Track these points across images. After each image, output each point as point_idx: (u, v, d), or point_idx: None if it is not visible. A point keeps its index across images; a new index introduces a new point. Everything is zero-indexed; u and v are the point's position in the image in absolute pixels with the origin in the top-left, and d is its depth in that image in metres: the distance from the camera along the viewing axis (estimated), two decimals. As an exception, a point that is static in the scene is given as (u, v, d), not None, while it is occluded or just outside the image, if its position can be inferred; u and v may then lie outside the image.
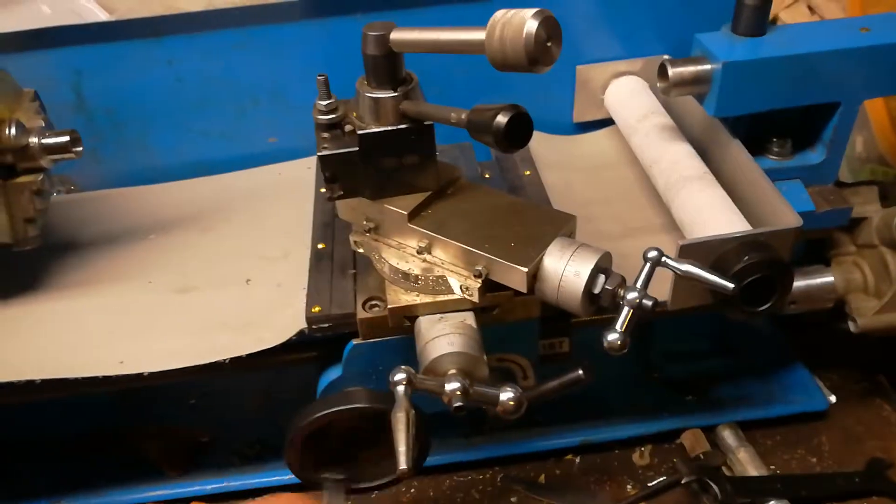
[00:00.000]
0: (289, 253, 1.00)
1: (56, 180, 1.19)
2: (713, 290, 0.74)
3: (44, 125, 0.92)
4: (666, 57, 0.97)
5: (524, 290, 0.75)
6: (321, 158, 0.79)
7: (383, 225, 0.83)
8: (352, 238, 0.87)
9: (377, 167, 0.80)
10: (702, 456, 1.03)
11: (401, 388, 0.70)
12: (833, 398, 1.12)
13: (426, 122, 0.78)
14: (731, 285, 0.71)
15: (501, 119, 0.66)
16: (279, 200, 1.11)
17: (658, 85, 0.93)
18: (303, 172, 1.15)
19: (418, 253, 0.81)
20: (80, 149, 0.90)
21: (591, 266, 0.72)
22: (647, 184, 1.01)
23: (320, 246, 0.97)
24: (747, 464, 1.02)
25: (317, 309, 0.86)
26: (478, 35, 0.65)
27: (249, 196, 1.13)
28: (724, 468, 1.02)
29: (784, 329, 1.22)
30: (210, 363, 0.84)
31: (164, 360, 0.85)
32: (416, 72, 0.79)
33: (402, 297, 0.81)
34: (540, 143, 1.15)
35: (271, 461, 1.07)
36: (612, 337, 0.70)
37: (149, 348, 0.88)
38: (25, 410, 0.96)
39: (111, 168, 1.20)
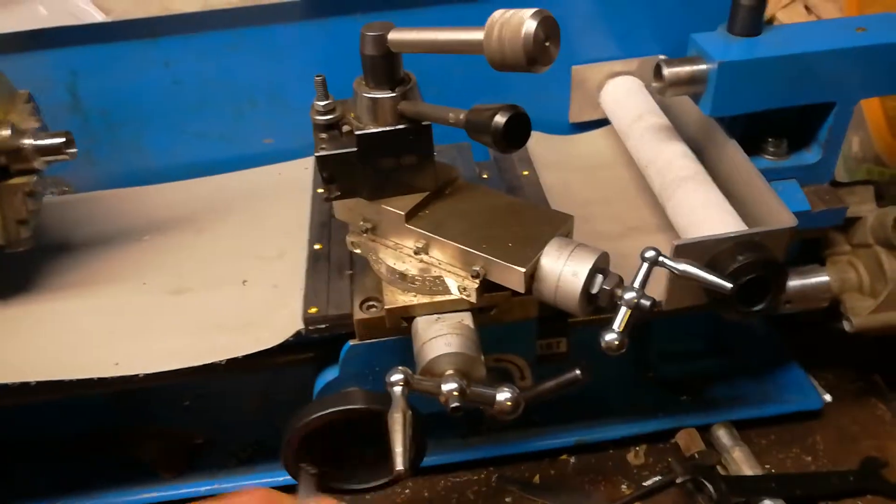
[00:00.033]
0: (285, 253, 1.00)
1: (50, 182, 1.18)
2: (709, 289, 0.74)
3: (38, 127, 0.91)
4: (662, 57, 0.97)
5: (522, 291, 0.75)
6: (319, 159, 0.79)
7: (380, 225, 0.83)
8: (349, 238, 0.87)
9: (375, 167, 0.80)
10: (696, 455, 1.03)
11: (398, 389, 0.70)
12: (828, 397, 1.12)
13: (424, 123, 0.78)
14: (730, 285, 0.71)
15: (500, 119, 0.66)
16: (276, 201, 1.11)
17: (654, 85, 0.93)
18: (300, 173, 1.15)
19: (415, 253, 0.81)
20: (74, 150, 0.90)
21: (589, 266, 0.72)
22: (646, 183, 1.01)
23: (317, 246, 0.97)
24: (742, 463, 1.02)
25: (313, 310, 0.86)
26: (476, 35, 0.65)
27: (246, 196, 1.13)
28: (718, 467, 1.02)
29: (779, 328, 1.23)
30: (206, 364, 0.84)
31: (159, 362, 0.85)
32: (415, 72, 0.79)
33: (399, 298, 0.81)
34: (538, 143, 1.15)
35: (269, 462, 1.06)
36: (610, 337, 0.70)
37: (144, 350, 0.88)
38: (21, 411, 0.96)
39: (106, 170, 1.19)
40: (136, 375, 0.84)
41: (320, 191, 1.04)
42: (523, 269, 0.74)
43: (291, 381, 1.09)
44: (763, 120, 0.96)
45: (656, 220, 1.01)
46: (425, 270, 0.80)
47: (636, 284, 0.72)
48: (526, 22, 0.61)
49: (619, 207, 1.05)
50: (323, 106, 0.79)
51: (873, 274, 0.97)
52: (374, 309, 0.84)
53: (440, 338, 0.76)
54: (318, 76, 0.79)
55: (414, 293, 0.81)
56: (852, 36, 0.90)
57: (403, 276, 0.81)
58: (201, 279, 0.98)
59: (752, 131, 0.98)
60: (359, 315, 0.83)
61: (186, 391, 1.19)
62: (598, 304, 0.74)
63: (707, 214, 0.86)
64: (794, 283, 0.97)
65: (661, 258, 0.73)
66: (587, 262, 0.73)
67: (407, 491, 1.05)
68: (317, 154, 0.78)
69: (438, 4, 1.09)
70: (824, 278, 0.99)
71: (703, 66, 0.90)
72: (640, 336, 1.16)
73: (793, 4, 1.15)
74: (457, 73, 1.13)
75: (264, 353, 0.84)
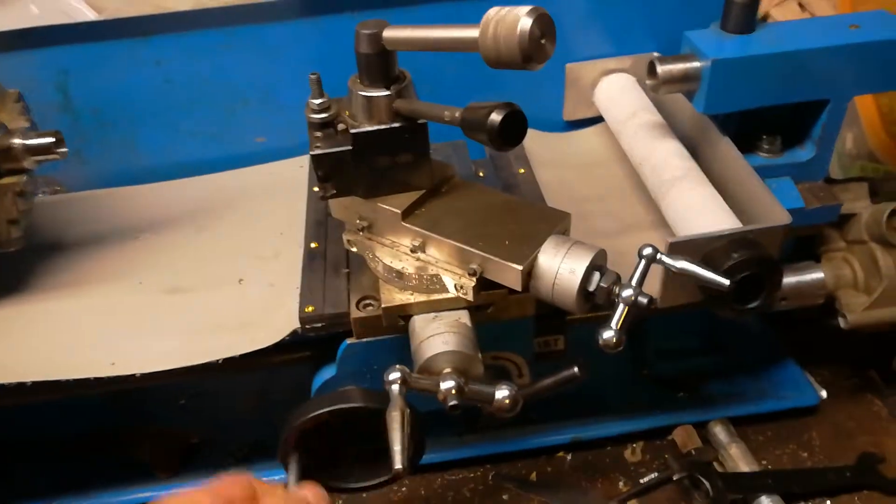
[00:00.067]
0: (281, 252, 1.00)
1: (41, 181, 1.18)
2: (705, 286, 0.74)
3: (28, 126, 0.91)
4: (655, 54, 0.97)
5: (519, 288, 0.75)
6: (314, 157, 0.78)
7: (377, 223, 0.83)
8: (345, 237, 0.86)
9: (370, 166, 0.79)
10: (693, 452, 1.03)
11: (396, 388, 0.70)
12: (824, 393, 1.12)
13: (419, 121, 0.77)
14: (727, 282, 0.71)
15: (496, 117, 0.66)
16: (271, 199, 1.10)
17: (647, 82, 0.93)
18: (295, 171, 1.14)
19: (412, 251, 0.81)
20: (65, 150, 0.89)
21: (586, 264, 0.72)
22: (640, 180, 1.01)
23: (313, 245, 0.96)
24: (739, 459, 1.03)
25: (310, 308, 0.85)
26: (471, 32, 0.65)
27: (241, 195, 1.13)
28: (715, 464, 1.03)
29: (775, 325, 1.23)
30: (203, 364, 0.83)
31: (156, 361, 0.84)
32: (410, 70, 0.79)
33: (396, 296, 0.81)
34: (534, 140, 1.15)
35: (266, 462, 1.06)
36: (608, 334, 0.70)
37: (140, 349, 0.87)
38: (20, 412, 0.95)
39: (97, 169, 1.19)
40: (133, 375, 0.84)
41: (316, 189, 1.04)
42: (520, 267, 0.74)
43: (288, 380, 1.09)
44: (757, 117, 0.96)
45: (652, 217, 1.01)
46: (422, 269, 0.80)
47: (633, 282, 0.72)
48: (521, 19, 0.61)
49: (615, 205, 1.05)
50: (318, 104, 0.79)
51: (868, 270, 0.98)
52: (370, 307, 0.84)
53: (437, 336, 0.76)
54: (312, 74, 0.78)
55: (411, 291, 0.81)
56: (846, 33, 0.90)
57: (400, 274, 0.81)
58: (197, 278, 0.98)
59: (745, 128, 0.98)
60: (355, 314, 0.83)
61: (183, 391, 1.19)
62: (595, 302, 0.74)
63: (701, 212, 0.86)
64: (789, 280, 0.98)
65: (658, 255, 0.73)
66: (584, 259, 0.73)
67: (403, 489, 1.05)
68: (312, 152, 0.78)
69: (433, 2, 1.09)
70: (819, 275, 0.99)
71: (696, 64, 0.90)
72: (636, 333, 1.17)
73: (786, 2, 1.15)
74: (452, 71, 1.13)
75: (261, 352, 0.83)
